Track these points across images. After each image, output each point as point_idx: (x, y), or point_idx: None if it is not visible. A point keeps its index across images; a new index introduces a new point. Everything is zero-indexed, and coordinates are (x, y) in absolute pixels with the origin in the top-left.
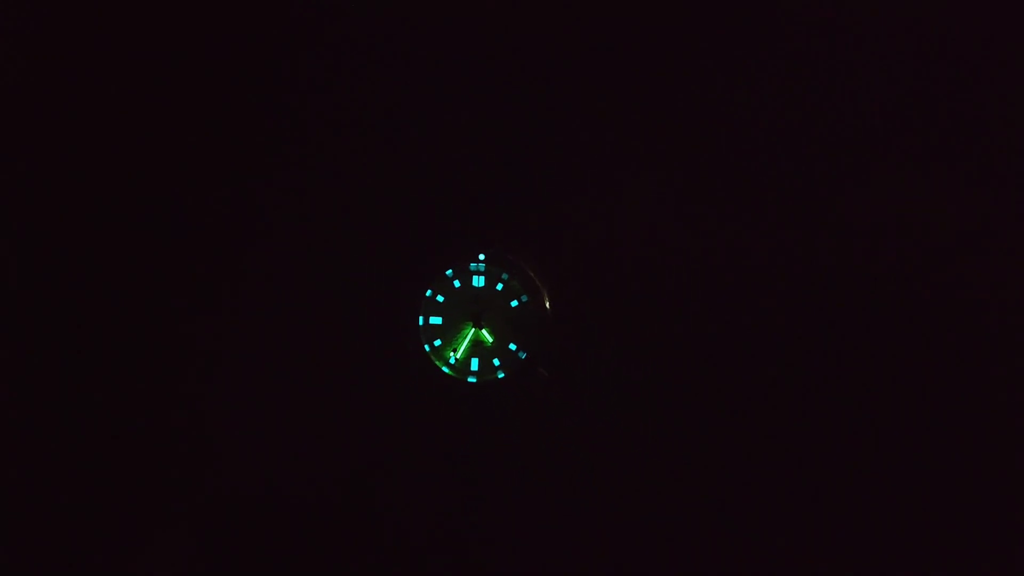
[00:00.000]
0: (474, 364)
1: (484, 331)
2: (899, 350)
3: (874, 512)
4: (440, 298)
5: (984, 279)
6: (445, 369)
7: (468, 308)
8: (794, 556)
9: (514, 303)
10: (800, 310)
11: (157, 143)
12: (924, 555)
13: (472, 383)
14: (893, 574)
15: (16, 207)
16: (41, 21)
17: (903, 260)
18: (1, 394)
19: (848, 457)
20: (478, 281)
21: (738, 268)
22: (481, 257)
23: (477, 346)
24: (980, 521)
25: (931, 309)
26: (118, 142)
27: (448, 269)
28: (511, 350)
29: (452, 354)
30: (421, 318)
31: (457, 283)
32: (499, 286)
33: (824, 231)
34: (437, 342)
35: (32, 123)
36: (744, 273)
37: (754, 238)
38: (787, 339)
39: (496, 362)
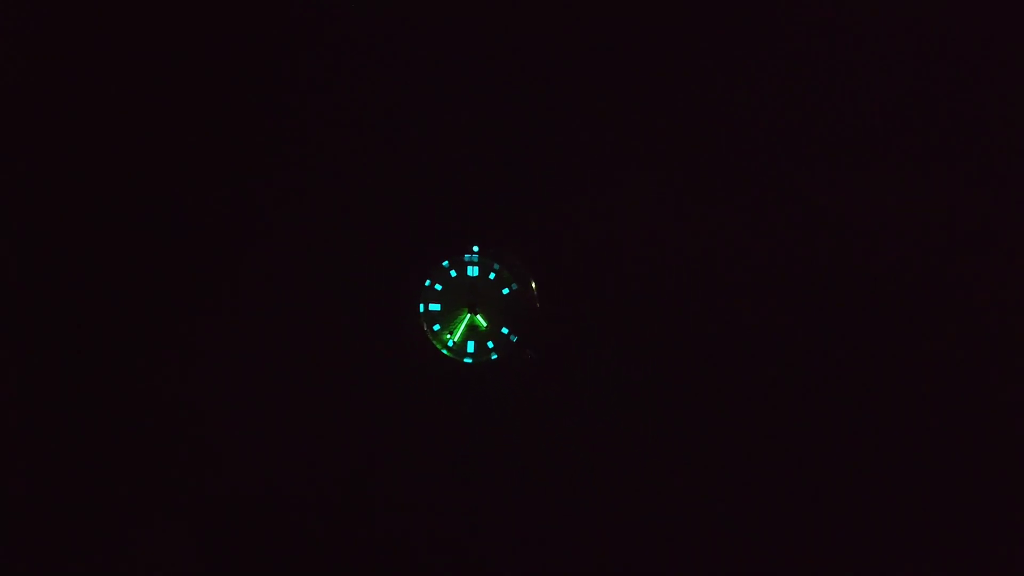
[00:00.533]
0: (470, 347)
1: (479, 316)
2: (899, 350)
3: (874, 512)
4: (438, 287)
5: (984, 279)
6: (444, 351)
7: (464, 296)
8: (791, 554)
9: (505, 291)
10: (798, 308)
11: (157, 143)
12: (924, 555)
13: (468, 364)
14: (893, 574)
15: (16, 207)
16: (41, 21)
17: (903, 260)
18: (1, 394)
19: (848, 457)
20: (472, 271)
21: (731, 263)
22: (475, 249)
23: (472, 330)
24: (980, 521)
25: (931, 309)
26: (118, 142)
27: (445, 260)
28: (503, 334)
29: (449, 337)
30: (421, 305)
31: (453, 273)
32: (491, 275)
33: (823, 230)
34: (436, 327)
35: (32, 123)
36: (737, 269)
37: (748, 235)
38: (782, 336)
39: (490, 344)
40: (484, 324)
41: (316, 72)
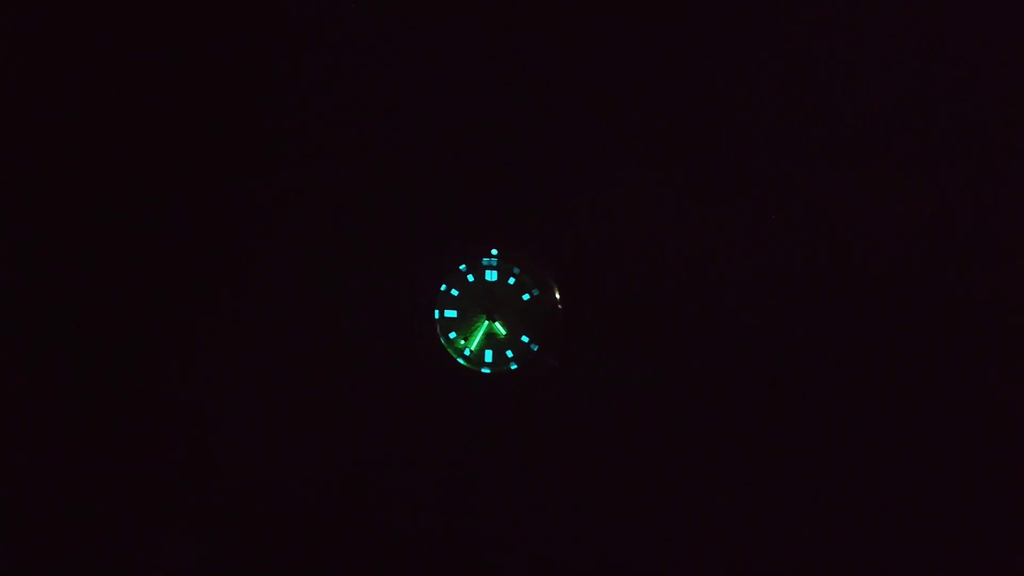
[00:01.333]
0: (488, 356)
1: (497, 324)
2: (902, 351)
3: (874, 512)
4: (455, 292)
5: (983, 279)
6: (460, 360)
7: (482, 302)
8: (799, 559)
9: (525, 297)
10: (811, 311)
11: (159, 143)
12: (924, 555)
13: (486, 374)
14: (893, 574)
15: (16, 207)
16: (41, 21)
17: (902, 259)
18: (2, 394)
19: (858, 458)
20: (491, 276)
21: (739, 264)
22: (493, 253)
23: (491, 338)
24: (980, 521)
25: (930, 309)
26: (118, 142)
27: (462, 264)
28: (523, 342)
29: (466, 345)
30: (437, 311)
31: (471, 278)
32: (511, 281)
33: (838, 232)
34: (452, 334)
35: (32, 123)
36: (744, 269)
37: (753, 236)
38: (794, 338)
39: (509, 353)
40: (503, 332)
41: (329, 74)
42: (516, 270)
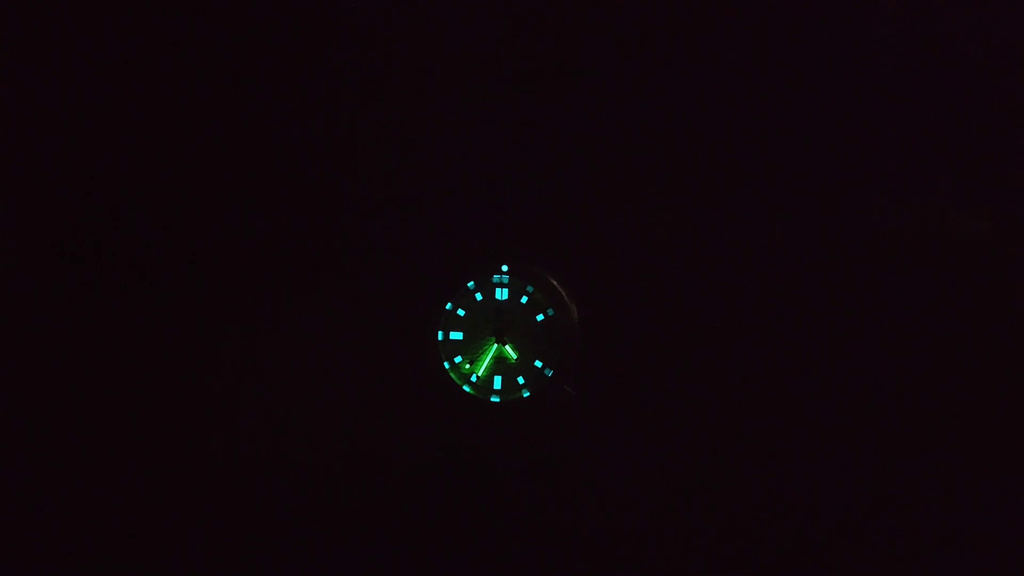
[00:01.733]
0: (497, 382)
1: (507, 347)
2: (923, 356)
3: (910, 520)
4: (461, 312)
5: (991, 285)
6: (466, 387)
7: (491, 322)
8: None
9: (539, 317)
10: (842, 322)
11: (165, 157)
12: (925, 555)
13: (495, 402)
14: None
15: (16, 207)
16: (41, 21)
17: (922, 266)
18: (2, 395)
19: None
20: (501, 294)
21: (774, 279)
22: (504, 269)
23: (500, 363)
24: (981, 522)
25: (944, 313)
26: (118, 142)
27: (470, 281)
28: (536, 367)
29: (470, 369)
30: (441, 333)
31: (479, 296)
32: (523, 299)
33: (876, 247)
34: (458, 358)
35: (32, 123)
36: (778, 285)
37: (790, 249)
38: (826, 356)
39: (520, 380)
40: (514, 356)
41: (333, 82)
42: (529, 288)
